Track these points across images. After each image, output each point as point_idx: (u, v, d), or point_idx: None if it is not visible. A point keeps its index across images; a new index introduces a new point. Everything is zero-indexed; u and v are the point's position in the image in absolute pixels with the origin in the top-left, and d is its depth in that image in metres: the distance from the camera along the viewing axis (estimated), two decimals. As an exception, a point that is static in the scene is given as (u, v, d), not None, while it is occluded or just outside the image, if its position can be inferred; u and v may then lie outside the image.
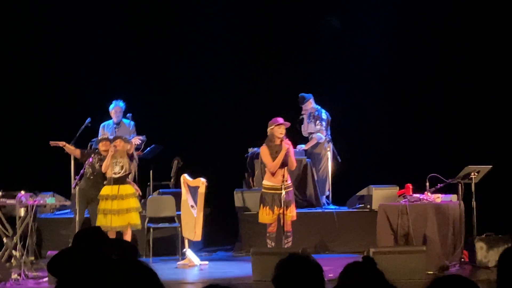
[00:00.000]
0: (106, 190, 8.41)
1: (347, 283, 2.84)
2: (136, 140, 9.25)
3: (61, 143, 8.65)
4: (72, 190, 8.82)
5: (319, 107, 10.01)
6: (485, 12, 10.36)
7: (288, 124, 8.06)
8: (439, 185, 7.87)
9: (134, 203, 8.48)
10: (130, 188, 8.51)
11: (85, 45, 11.00)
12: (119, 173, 8.40)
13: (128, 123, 9.86)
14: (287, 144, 7.86)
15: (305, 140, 10.04)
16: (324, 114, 9.95)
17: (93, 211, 8.47)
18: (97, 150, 8.69)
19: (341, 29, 10.95)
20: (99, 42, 10.96)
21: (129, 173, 8.50)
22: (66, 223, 9.01)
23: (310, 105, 10.01)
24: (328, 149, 10.01)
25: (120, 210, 8.33)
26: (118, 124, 9.84)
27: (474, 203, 7.88)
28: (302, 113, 10.08)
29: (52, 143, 8.66)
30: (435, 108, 10.66)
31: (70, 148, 8.74)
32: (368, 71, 10.73)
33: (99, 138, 8.91)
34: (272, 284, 2.83)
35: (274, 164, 7.90)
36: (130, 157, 8.53)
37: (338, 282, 2.88)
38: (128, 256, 2.81)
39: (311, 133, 10.01)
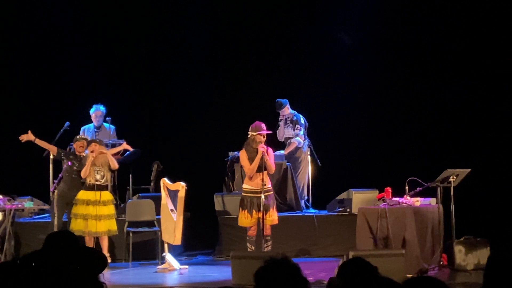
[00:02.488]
0: (87, 195, 8.39)
1: (344, 279, 2.87)
2: (128, 147, 9.13)
3: (31, 137, 8.56)
4: (51, 194, 8.76)
5: (296, 112, 10.03)
6: (469, 15, 10.44)
7: (269, 132, 8.14)
8: (418, 189, 7.91)
9: (113, 209, 8.56)
10: (109, 195, 8.58)
11: (64, 49, 10.93)
12: (99, 181, 8.42)
13: (108, 127, 9.83)
14: (262, 147, 7.88)
15: (281, 146, 10.05)
16: (302, 119, 9.98)
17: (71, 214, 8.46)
18: (73, 151, 8.66)
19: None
20: (78, 45, 10.89)
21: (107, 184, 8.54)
22: (44, 227, 8.90)
23: (287, 110, 10.04)
24: (308, 153, 10.04)
25: (102, 216, 8.35)
26: (98, 128, 9.84)
27: (452, 207, 7.93)
28: (279, 118, 10.10)
29: (22, 137, 8.57)
30: (414, 112, 10.73)
31: (43, 143, 8.65)
32: (347, 75, 10.78)
33: (77, 137, 8.83)
34: None
35: (251, 168, 7.92)
36: (112, 169, 8.55)
37: (330, 281, 2.92)
38: (96, 268, 2.78)
39: (288, 138, 10.03)
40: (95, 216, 8.33)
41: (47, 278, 2.02)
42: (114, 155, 9.04)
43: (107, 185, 8.56)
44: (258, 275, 2.81)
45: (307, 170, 10.03)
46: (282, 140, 10.07)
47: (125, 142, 9.12)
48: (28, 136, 8.62)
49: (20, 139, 8.64)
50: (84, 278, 2.11)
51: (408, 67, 10.83)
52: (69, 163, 8.47)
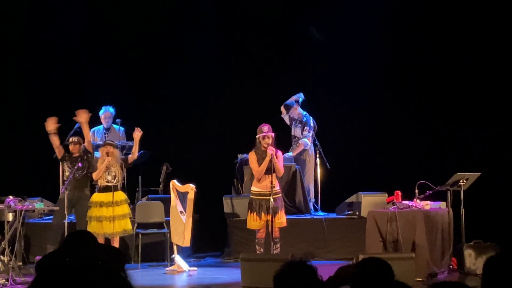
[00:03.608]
0: (99, 197, 8.42)
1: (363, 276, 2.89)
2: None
3: (52, 127, 8.51)
4: (60, 195, 8.79)
5: (306, 114, 10.02)
6: (476, 16, 10.41)
7: (272, 134, 8.05)
8: (428, 192, 7.90)
9: (127, 209, 8.54)
10: (122, 194, 8.56)
11: (74, 51, 10.98)
12: (111, 182, 8.43)
13: (118, 128, 9.85)
14: (270, 150, 7.88)
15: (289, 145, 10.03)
16: (311, 121, 9.97)
17: (80, 215, 8.46)
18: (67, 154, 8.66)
19: (325, 39, 10.98)
20: (89, 47, 10.94)
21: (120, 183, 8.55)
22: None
23: (296, 111, 10.02)
24: (316, 155, 10.03)
25: (116, 217, 8.36)
26: (108, 129, 9.87)
27: (462, 210, 7.90)
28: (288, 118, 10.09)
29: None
30: (424, 116, 10.70)
31: (55, 140, 8.62)
32: (357, 78, 10.77)
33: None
34: None
35: (259, 170, 7.92)
36: (122, 166, 8.56)
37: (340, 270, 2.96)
38: (115, 262, 2.80)
39: (296, 138, 10.01)
40: (110, 218, 8.36)
41: (74, 276, 2.03)
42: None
43: (120, 184, 8.55)
44: (278, 277, 2.82)
45: (312, 172, 10.02)
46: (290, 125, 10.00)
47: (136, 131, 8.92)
48: (52, 124, 8.56)
49: (47, 122, 8.57)
50: (107, 273, 2.12)
51: (418, 70, 10.81)
52: (80, 164, 8.48)
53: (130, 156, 8.82)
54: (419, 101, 10.74)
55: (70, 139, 8.72)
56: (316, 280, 2.81)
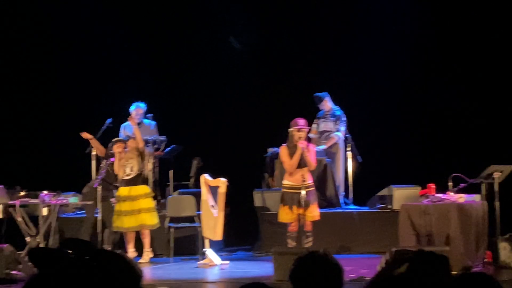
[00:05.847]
0: (121, 191, 8.55)
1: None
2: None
3: (89, 136, 8.91)
4: (84, 189, 9.02)
5: (338, 108, 9.97)
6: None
7: (307, 128, 8.11)
8: (462, 185, 7.82)
9: (146, 203, 8.55)
10: (142, 189, 8.59)
11: (107, 47, 11.06)
12: (129, 174, 8.50)
13: (149, 123, 9.91)
14: (301, 144, 7.86)
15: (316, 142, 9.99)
16: (343, 115, 9.93)
17: (107, 209, 8.56)
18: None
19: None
20: (121, 43, 11.01)
21: (140, 173, 8.56)
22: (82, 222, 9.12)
23: (327, 103, 9.98)
24: (348, 149, 9.98)
25: (132, 211, 8.43)
26: (139, 124, 9.89)
27: (497, 203, 7.82)
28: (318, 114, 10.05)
29: (83, 134, 8.91)
30: (458, 107, 10.57)
31: (95, 143, 8.97)
32: (388, 69, 10.68)
33: (115, 139, 8.96)
34: (289, 280, 2.84)
35: (291, 164, 7.91)
36: (141, 156, 8.60)
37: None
38: (82, 252, 2.75)
39: (327, 131, 9.96)
40: (127, 212, 8.43)
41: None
42: (155, 151, 9.14)
43: (139, 176, 8.57)
44: (298, 263, 2.86)
45: (341, 166, 9.97)
46: (314, 136, 9.97)
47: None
48: (86, 135, 8.93)
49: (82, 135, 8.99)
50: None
51: (449, 60, 10.69)
52: (112, 159, 8.61)
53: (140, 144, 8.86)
54: (452, 92, 10.61)
55: (115, 141, 8.81)
56: (335, 277, 2.81)
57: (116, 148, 8.60)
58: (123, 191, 8.51)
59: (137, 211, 8.46)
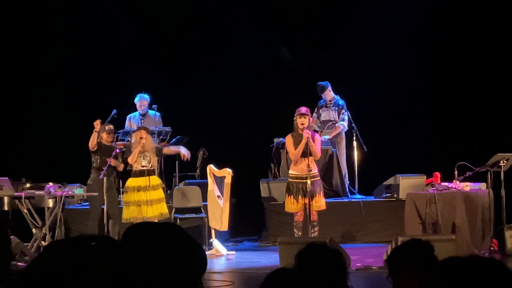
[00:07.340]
0: (136, 181, 8.45)
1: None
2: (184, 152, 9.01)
3: (97, 127, 8.46)
4: (88, 181, 8.96)
5: (338, 97, 9.94)
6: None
7: (309, 115, 8.07)
8: (467, 173, 7.80)
9: (163, 193, 8.59)
10: (157, 179, 8.60)
11: (112, 38, 11.05)
12: (146, 166, 8.48)
13: (154, 114, 9.91)
14: (306, 133, 7.84)
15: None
16: (345, 105, 9.91)
17: (110, 200, 8.49)
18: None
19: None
20: (124, 34, 11.00)
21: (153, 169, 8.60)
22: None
23: (330, 92, 9.96)
24: (354, 138, 9.96)
25: (154, 200, 8.42)
26: (144, 115, 9.94)
27: (503, 191, 7.80)
28: (319, 102, 10.02)
29: (96, 122, 8.49)
30: (463, 95, 10.54)
31: (94, 136, 8.55)
32: (394, 59, 10.64)
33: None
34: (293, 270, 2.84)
35: (295, 153, 7.90)
36: (158, 154, 8.61)
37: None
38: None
39: (330, 121, 9.93)
40: (147, 202, 8.41)
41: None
42: (160, 142, 9.12)
43: (154, 170, 8.61)
44: (299, 257, 2.88)
45: (344, 154, 9.94)
46: (316, 124, 9.92)
47: (182, 148, 9.00)
48: (97, 125, 8.53)
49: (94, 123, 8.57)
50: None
51: (455, 49, 10.64)
52: (118, 150, 8.58)
53: (165, 149, 8.88)
54: (457, 81, 10.58)
55: (107, 127, 8.71)
56: (337, 265, 2.81)
57: (138, 134, 8.50)
58: (143, 181, 8.46)
59: (157, 200, 8.46)
